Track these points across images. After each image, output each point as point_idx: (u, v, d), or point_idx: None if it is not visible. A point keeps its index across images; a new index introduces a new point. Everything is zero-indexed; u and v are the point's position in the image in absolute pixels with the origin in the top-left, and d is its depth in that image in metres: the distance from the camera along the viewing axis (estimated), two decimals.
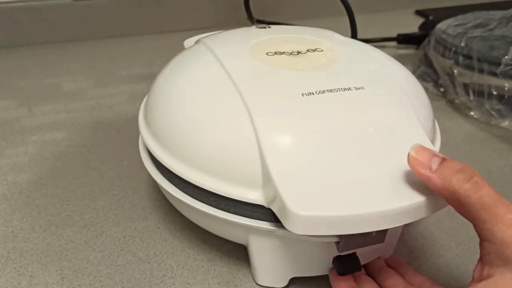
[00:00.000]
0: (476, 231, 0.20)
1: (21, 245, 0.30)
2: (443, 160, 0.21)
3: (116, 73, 0.56)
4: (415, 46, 0.62)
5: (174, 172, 0.25)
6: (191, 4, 0.70)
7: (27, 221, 0.32)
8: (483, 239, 0.20)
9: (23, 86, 0.53)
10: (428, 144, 0.24)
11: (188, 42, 0.39)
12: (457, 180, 0.20)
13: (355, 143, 0.23)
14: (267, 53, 0.28)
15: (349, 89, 0.25)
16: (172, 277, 0.28)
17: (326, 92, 0.25)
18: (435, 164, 0.21)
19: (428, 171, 0.21)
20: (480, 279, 0.20)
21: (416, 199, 0.21)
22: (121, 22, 0.68)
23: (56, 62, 0.60)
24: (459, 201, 0.20)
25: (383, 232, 0.22)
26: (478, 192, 0.20)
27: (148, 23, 0.69)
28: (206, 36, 0.34)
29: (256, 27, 0.34)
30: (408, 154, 0.21)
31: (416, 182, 0.22)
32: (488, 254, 0.20)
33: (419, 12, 0.79)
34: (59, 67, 0.58)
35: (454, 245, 0.30)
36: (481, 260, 0.21)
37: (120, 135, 0.43)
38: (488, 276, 0.20)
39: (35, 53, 0.62)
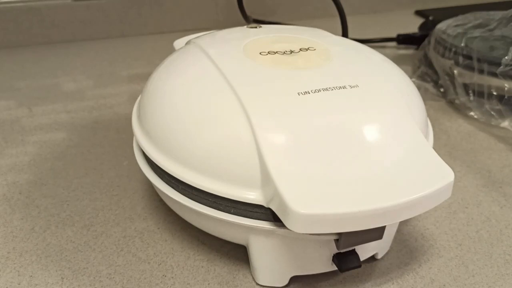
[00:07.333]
0: None
1: (21, 245, 0.30)
2: None
3: (116, 73, 0.56)
4: (415, 46, 0.62)
5: (174, 175, 0.25)
6: (191, 4, 0.70)
7: (27, 221, 0.32)
8: None
9: (23, 86, 0.53)
10: (423, 142, 0.24)
11: (178, 43, 0.39)
12: None
13: (353, 141, 0.23)
14: (260, 53, 0.28)
15: (344, 87, 0.25)
16: (172, 277, 0.28)
17: (322, 91, 0.25)
18: None
19: None
20: None
21: (414, 195, 0.21)
22: (121, 22, 0.68)
23: (56, 62, 0.60)
24: None
25: (382, 228, 0.22)
26: None
27: (148, 23, 0.69)
28: (197, 37, 0.33)
29: (246, 27, 0.34)
30: None
31: (414, 178, 0.22)
32: None
33: (419, 12, 0.79)
34: (59, 67, 0.58)
35: (454, 245, 0.30)
36: None
37: (120, 135, 0.43)
38: None
39: (35, 53, 0.62)
